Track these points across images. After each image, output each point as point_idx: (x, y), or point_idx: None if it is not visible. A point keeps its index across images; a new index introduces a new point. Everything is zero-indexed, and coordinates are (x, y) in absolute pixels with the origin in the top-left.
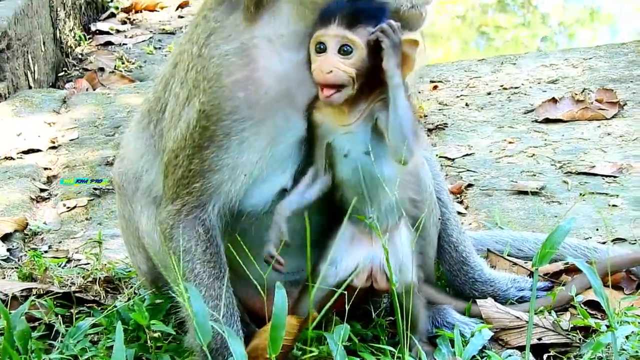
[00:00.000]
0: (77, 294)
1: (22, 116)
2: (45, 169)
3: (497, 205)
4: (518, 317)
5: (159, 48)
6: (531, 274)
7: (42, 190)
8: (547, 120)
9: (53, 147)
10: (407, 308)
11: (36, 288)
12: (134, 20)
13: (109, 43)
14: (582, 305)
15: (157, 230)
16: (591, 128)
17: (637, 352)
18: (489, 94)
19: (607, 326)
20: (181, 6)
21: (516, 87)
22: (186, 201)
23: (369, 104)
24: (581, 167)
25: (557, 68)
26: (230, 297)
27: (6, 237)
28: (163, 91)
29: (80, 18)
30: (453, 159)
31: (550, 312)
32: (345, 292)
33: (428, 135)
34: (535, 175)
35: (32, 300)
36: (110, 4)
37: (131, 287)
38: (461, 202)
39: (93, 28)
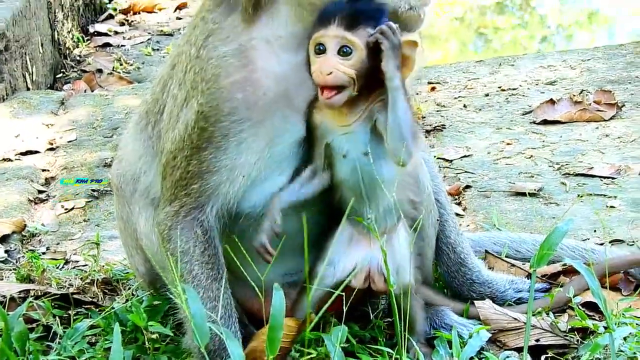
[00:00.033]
0: (75, 296)
1: (20, 118)
2: (43, 170)
3: (495, 207)
4: (516, 319)
5: (157, 49)
6: (529, 276)
7: (40, 191)
8: (545, 122)
9: (51, 149)
10: (405, 309)
11: (34, 289)
12: (132, 21)
13: (107, 44)
14: (579, 307)
15: (155, 231)
16: (589, 129)
17: (634, 353)
18: (487, 95)
19: (605, 327)
20: (179, 8)
21: (514, 89)
22: (184, 202)
23: (368, 105)
24: (579, 169)
25: (555, 69)
26: (229, 298)
27: (4, 239)
28: (161, 93)
29: (79, 19)
30: (451, 161)
31: (548, 314)
32: (343, 294)
33: (426, 137)
34: (533, 177)
35: (30, 302)
36: (109, 6)
37: (129, 288)
38: (459, 204)
39: (91, 29)
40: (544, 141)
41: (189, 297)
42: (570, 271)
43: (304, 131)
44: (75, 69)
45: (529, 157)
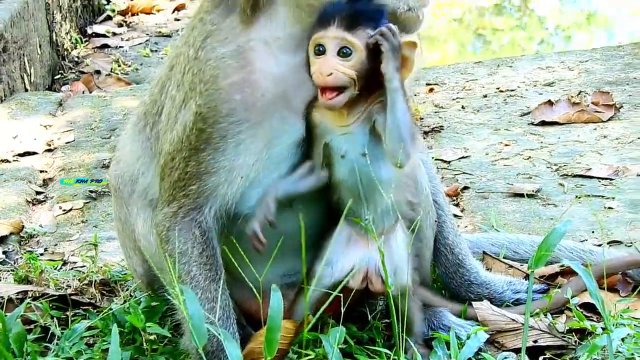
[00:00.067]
0: (72, 297)
1: (18, 119)
2: (41, 171)
3: (493, 208)
4: (514, 320)
5: (156, 51)
6: (527, 277)
7: (38, 192)
8: (543, 123)
9: (49, 150)
10: (403, 310)
11: (32, 290)
12: (130, 23)
13: (105, 46)
14: (577, 308)
15: (153, 232)
16: (587, 131)
17: (632, 354)
18: (485, 96)
19: (603, 328)
20: (177, 9)
21: (512, 90)
22: (182, 203)
23: (367, 106)
24: (577, 170)
25: (553, 71)
26: (227, 299)
27: (2, 240)
28: (159, 94)
29: (77, 21)
30: (449, 162)
31: (546, 315)
32: (341, 295)
33: (424, 138)
34: (531, 178)
35: (28, 303)
36: (107, 7)
37: (127, 289)
38: (457, 205)
39: (89, 31)
40: (542, 142)
41: (187, 298)
42: (568, 272)
43: (302, 132)
44: (73, 70)
45: (527, 158)
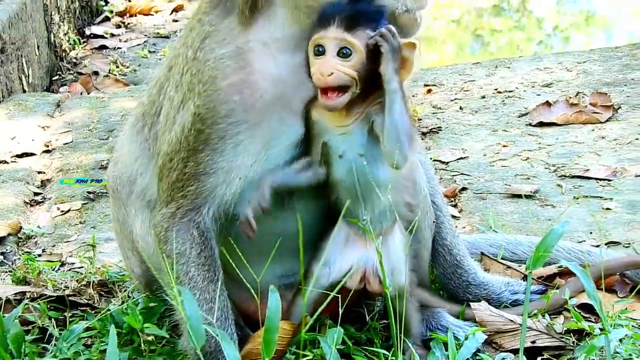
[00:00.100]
0: (70, 298)
1: (16, 120)
2: (39, 172)
3: (491, 209)
4: (512, 320)
5: (154, 52)
6: (525, 277)
7: (36, 194)
8: (541, 124)
9: (47, 151)
10: (401, 311)
11: (30, 291)
12: (128, 24)
13: (103, 47)
14: (575, 309)
15: (152, 233)
16: (585, 131)
17: (630, 355)
18: (483, 97)
19: (601, 329)
20: (176, 10)
21: (510, 91)
22: (181, 204)
23: (365, 107)
24: (575, 171)
25: (551, 72)
26: (225, 300)
27: (0, 241)
28: (158, 94)
29: (75, 22)
30: (447, 163)
31: (543, 315)
32: (339, 295)
33: (422, 139)
34: (529, 179)
35: (26, 304)
36: (105, 8)
37: (125, 290)
38: (455, 206)
39: (87, 32)
40: (540, 143)
41: (185, 299)
42: (566, 273)
43: (301, 133)
44: (71, 72)
45: (525, 159)
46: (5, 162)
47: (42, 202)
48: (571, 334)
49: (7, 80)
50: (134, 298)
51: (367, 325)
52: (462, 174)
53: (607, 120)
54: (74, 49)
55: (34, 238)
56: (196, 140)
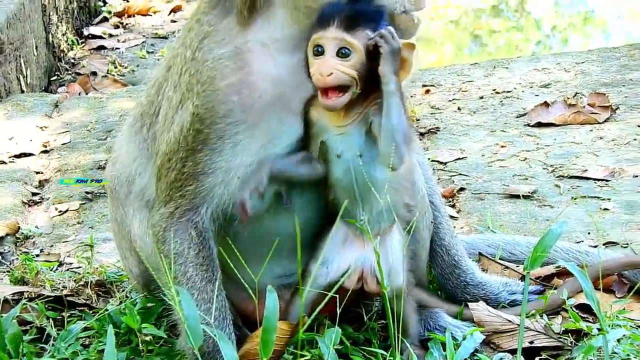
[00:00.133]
0: (68, 298)
1: (14, 120)
2: (37, 172)
3: (489, 209)
4: (510, 321)
5: (152, 52)
6: (523, 278)
7: (34, 194)
8: (539, 124)
9: (45, 151)
10: (399, 311)
11: (28, 291)
12: (126, 24)
13: (101, 47)
14: (573, 309)
15: (150, 233)
16: (583, 132)
17: (628, 355)
18: (481, 98)
19: (599, 329)
20: (174, 10)
21: (508, 91)
22: (179, 204)
23: (364, 108)
24: (573, 171)
25: (549, 72)
26: (223, 300)
27: None
28: (156, 95)
29: (73, 22)
30: (445, 163)
31: (541, 316)
32: (337, 295)
33: (420, 139)
34: (527, 179)
35: (24, 304)
36: (103, 8)
37: (123, 290)
38: (453, 206)
39: (86, 32)
40: (538, 144)
41: (183, 299)
42: (564, 273)
43: (300, 133)
44: (69, 72)
45: (523, 160)
46: (3, 162)
47: (40, 202)
48: (569, 334)
49: (5, 80)
50: (131, 298)
51: (365, 326)
52: (460, 174)
53: (605, 121)
54: (72, 49)
55: (32, 238)
56: (195, 140)
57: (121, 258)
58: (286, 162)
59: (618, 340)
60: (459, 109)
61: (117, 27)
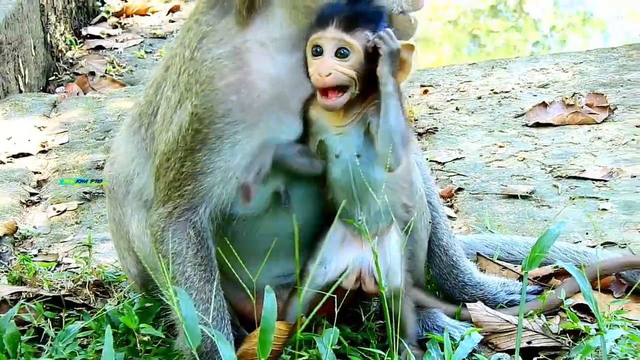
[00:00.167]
0: (66, 298)
1: (12, 120)
2: (35, 172)
3: (487, 209)
4: (508, 321)
5: (150, 52)
6: (521, 278)
7: (32, 194)
8: (537, 125)
9: (43, 151)
10: (397, 312)
11: (26, 291)
12: (125, 24)
13: (99, 47)
14: (571, 309)
15: (148, 233)
16: (581, 132)
17: (626, 355)
18: (479, 98)
19: (597, 330)
20: (172, 10)
21: (507, 92)
22: (178, 204)
23: (362, 108)
24: (571, 171)
25: (547, 72)
26: (221, 300)
27: None
28: (154, 94)
29: (71, 22)
30: (443, 163)
31: (539, 316)
32: (335, 295)
33: (418, 139)
34: (525, 179)
35: (22, 304)
36: (101, 9)
37: (121, 290)
38: (451, 206)
39: (84, 32)
40: (536, 144)
41: (181, 299)
42: (562, 273)
43: (299, 133)
44: (67, 72)
45: (521, 160)
46: (2, 162)
47: (38, 202)
48: (567, 335)
49: (3, 80)
50: (130, 298)
51: (363, 326)
52: (458, 174)
53: (603, 121)
54: (70, 49)
55: (30, 238)
56: (193, 139)
57: (119, 258)
58: (288, 152)
59: (616, 341)
60: (457, 109)
61: (115, 27)
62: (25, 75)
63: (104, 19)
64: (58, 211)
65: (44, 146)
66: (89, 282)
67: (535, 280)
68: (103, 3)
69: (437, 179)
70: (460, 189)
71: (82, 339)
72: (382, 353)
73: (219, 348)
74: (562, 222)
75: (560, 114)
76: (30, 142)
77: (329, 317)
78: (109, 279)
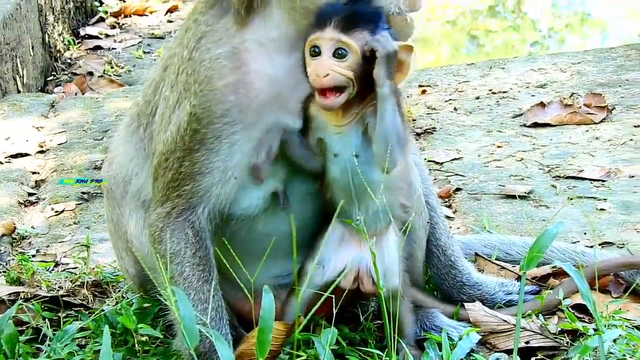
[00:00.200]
0: (64, 298)
1: (10, 120)
2: (34, 173)
3: (486, 209)
4: (506, 321)
5: (148, 52)
6: (519, 278)
7: (30, 194)
8: (535, 125)
9: (41, 152)
10: (395, 312)
11: (24, 292)
12: (123, 24)
13: (98, 47)
14: (569, 309)
15: (146, 233)
16: (579, 132)
17: (624, 355)
18: (477, 98)
19: (595, 330)
20: (170, 11)
21: (505, 92)
22: (176, 204)
23: (361, 108)
24: (569, 171)
25: (545, 72)
26: (219, 300)
27: None
28: (153, 95)
29: (69, 22)
30: (441, 163)
31: (537, 316)
32: (333, 296)
33: (416, 140)
34: (523, 179)
35: (20, 304)
36: (100, 9)
37: (119, 290)
38: (449, 206)
39: (82, 32)
40: (534, 144)
41: (179, 299)
42: (560, 273)
43: (300, 126)
44: (66, 72)
45: (520, 160)
46: (0, 162)
47: (37, 202)
48: (565, 335)
49: (1, 80)
50: (128, 298)
51: (361, 326)
52: (456, 174)
53: (601, 121)
54: (68, 49)
55: (28, 238)
56: (192, 139)
57: (117, 258)
58: (292, 139)
59: (614, 341)
60: (455, 109)
61: (113, 27)
62: (23, 75)
63: (102, 19)
64: (56, 211)
65: (42, 146)
66: (87, 282)
67: (534, 280)
68: (101, 3)
69: (435, 179)
70: (458, 189)
71: (80, 339)
72: (380, 353)
73: (217, 348)
74: (560, 222)
75: (558, 114)
76: (29, 143)
77: (327, 317)
78: (107, 279)
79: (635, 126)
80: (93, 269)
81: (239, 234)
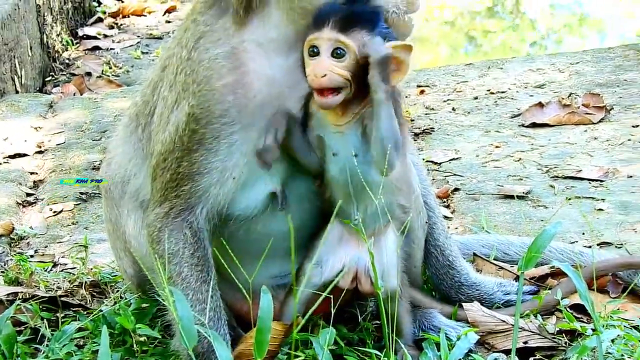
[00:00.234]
0: (63, 298)
1: (8, 121)
2: (32, 173)
3: (484, 210)
4: (504, 321)
5: (147, 53)
6: (517, 278)
7: (28, 194)
8: (533, 125)
9: (39, 152)
10: (393, 312)
11: (22, 292)
12: (121, 25)
13: (96, 48)
14: (568, 309)
15: (144, 233)
16: (578, 132)
17: (622, 355)
18: (475, 98)
19: (593, 330)
20: (168, 11)
21: (503, 92)
22: (174, 204)
23: (360, 108)
24: (567, 172)
25: (544, 72)
26: (218, 300)
27: None
28: (151, 95)
29: (68, 23)
30: (440, 163)
31: (536, 316)
32: (331, 296)
33: (415, 140)
34: (521, 180)
35: (18, 305)
36: (98, 9)
37: (117, 291)
38: (448, 206)
39: (80, 33)
40: (532, 144)
41: (177, 299)
42: (558, 274)
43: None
44: (64, 72)
45: (518, 160)
46: None
47: (35, 202)
48: (563, 335)
49: None
50: (126, 299)
51: (359, 326)
52: (454, 174)
53: (599, 121)
54: (66, 49)
55: (27, 239)
56: (190, 140)
57: (116, 258)
58: (296, 129)
59: (612, 341)
60: (453, 109)
61: (111, 27)
62: (21, 75)
63: (100, 20)
64: (54, 212)
65: (40, 147)
66: (86, 282)
67: (532, 281)
68: (99, 3)
69: (433, 179)
70: (456, 189)
71: (78, 339)
72: (379, 353)
73: (215, 348)
74: (559, 223)
75: (557, 114)
76: (27, 143)
77: (326, 317)
78: (105, 280)
79: (633, 126)
80: (91, 269)
81: (238, 234)
